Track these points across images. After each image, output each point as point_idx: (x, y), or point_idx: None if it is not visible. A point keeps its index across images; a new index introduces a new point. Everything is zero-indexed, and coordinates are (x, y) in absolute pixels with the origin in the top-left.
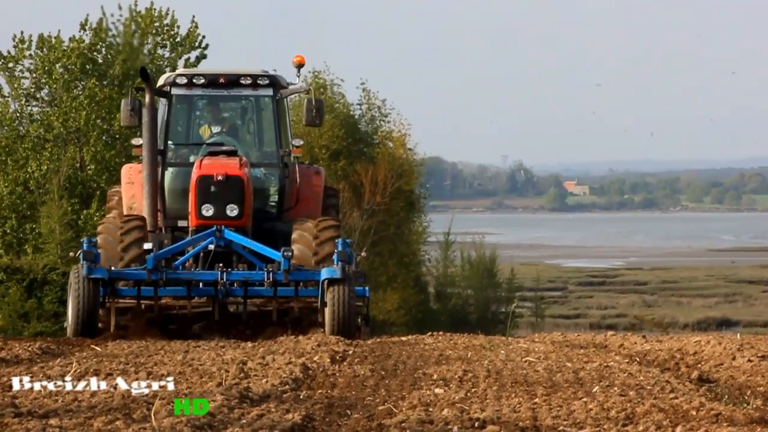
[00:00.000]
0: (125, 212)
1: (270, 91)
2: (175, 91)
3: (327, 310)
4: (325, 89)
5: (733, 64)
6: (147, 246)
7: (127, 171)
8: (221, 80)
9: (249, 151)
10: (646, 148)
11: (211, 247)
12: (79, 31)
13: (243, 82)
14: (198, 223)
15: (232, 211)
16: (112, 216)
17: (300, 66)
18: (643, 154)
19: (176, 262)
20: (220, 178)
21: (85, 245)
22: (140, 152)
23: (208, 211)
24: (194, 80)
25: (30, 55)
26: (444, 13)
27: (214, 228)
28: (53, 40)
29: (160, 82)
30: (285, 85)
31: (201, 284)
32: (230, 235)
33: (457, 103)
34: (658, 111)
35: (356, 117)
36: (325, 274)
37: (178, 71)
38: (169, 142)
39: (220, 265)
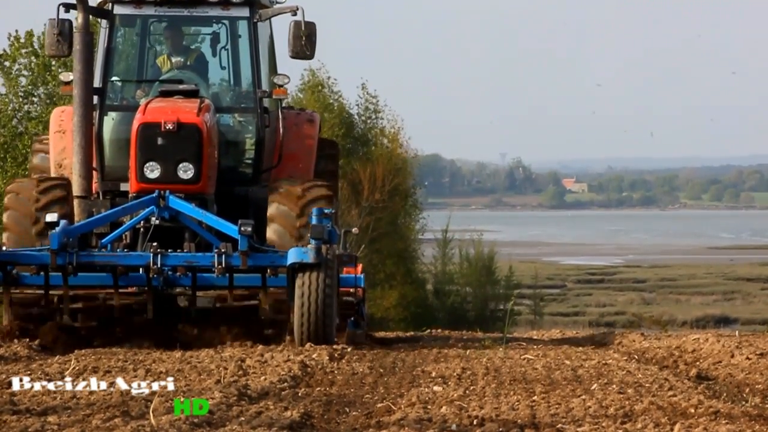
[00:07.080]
0: (53, 171)
1: (245, 12)
2: (118, 9)
3: (295, 307)
4: (323, 87)
5: (733, 64)
6: (50, 218)
7: (58, 116)
8: None
9: (219, 92)
10: (645, 145)
11: (156, 221)
12: None
13: None
14: (140, 188)
15: (185, 171)
16: (28, 180)
17: None
18: (641, 152)
19: (103, 240)
20: (169, 126)
21: None
22: (70, 90)
23: (153, 171)
24: None
25: (25, 53)
26: (442, 10)
27: (156, 194)
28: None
29: None
30: (267, 4)
31: (141, 270)
32: (177, 203)
33: (455, 100)
34: (658, 110)
35: (354, 116)
36: (292, 256)
37: None
38: (113, 78)
39: (154, 244)
